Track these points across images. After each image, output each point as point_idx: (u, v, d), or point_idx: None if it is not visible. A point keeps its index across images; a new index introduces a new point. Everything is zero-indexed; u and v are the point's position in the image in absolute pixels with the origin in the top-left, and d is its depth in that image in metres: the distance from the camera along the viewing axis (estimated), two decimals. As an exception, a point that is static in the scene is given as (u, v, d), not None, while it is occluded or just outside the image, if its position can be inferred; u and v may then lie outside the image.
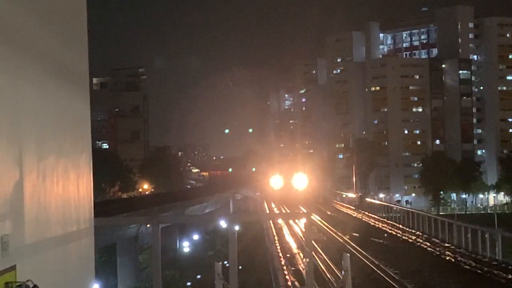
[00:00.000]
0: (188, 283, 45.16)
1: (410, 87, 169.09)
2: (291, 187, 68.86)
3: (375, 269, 40.33)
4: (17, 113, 4.78)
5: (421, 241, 53.60)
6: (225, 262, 15.38)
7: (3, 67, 4.50)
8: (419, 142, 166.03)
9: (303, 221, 15.98)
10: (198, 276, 45.85)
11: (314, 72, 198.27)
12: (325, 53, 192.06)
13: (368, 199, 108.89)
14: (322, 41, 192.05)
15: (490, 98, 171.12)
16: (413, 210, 72.81)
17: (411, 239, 56.19)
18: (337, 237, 57.92)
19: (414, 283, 34.68)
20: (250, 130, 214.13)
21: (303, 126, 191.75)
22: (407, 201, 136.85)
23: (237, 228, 12.23)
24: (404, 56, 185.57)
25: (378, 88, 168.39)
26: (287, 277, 36.48)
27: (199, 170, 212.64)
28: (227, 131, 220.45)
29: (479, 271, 37.14)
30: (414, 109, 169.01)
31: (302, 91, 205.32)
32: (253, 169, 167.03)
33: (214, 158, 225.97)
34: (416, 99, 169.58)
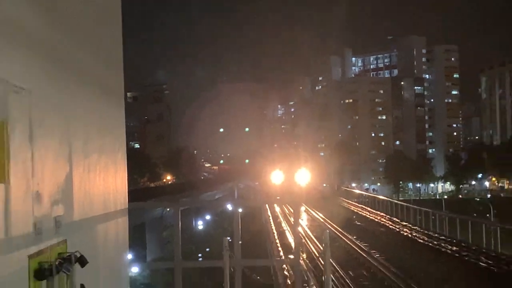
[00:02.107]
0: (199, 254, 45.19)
1: (376, 100, 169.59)
2: (290, 182, 66.77)
3: (349, 243, 40.41)
4: (68, 121, 4.79)
5: (384, 220, 53.74)
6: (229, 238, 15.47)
7: (57, 86, 4.51)
8: (383, 143, 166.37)
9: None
10: (207, 249, 45.98)
11: (301, 88, 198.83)
12: (310, 72, 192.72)
13: (343, 188, 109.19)
14: (307, 63, 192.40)
15: (439, 109, 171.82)
16: (378, 196, 72.96)
17: (377, 218, 56.32)
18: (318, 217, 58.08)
19: (380, 253, 34.80)
20: (247, 129, 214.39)
21: (292, 130, 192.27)
22: (374, 189, 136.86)
23: (240, 210, 12.27)
24: (372, 75, 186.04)
25: (351, 100, 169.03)
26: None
27: (210, 165, 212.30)
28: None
29: (431, 244, 37.26)
30: (379, 117, 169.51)
31: (291, 103, 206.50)
32: (247, 161, 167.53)
33: (222, 155, 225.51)
34: (380, 109, 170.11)
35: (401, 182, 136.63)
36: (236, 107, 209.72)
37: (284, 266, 24.89)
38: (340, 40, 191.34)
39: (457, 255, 32.69)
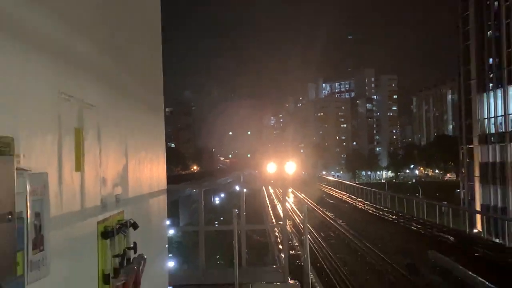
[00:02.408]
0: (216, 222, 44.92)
1: (339, 113, 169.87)
2: (280, 171, 65.82)
3: (320, 213, 40.38)
4: (124, 128, 4.78)
5: (345, 197, 53.74)
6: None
7: (116, 103, 4.49)
8: (344, 144, 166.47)
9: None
10: (221, 218, 45.80)
11: (287, 105, 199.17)
12: (293, 94, 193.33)
13: (318, 175, 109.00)
14: (291, 87, 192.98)
15: (383, 120, 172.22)
16: (341, 180, 72.93)
17: (340, 196, 56.35)
18: (299, 194, 57.96)
19: (342, 220, 34.79)
20: (249, 133, 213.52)
21: (281, 135, 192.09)
22: (338, 176, 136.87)
23: (245, 190, 12.27)
24: (336, 96, 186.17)
25: (322, 114, 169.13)
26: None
27: (223, 159, 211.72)
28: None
29: (377, 214, 37.28)
30: (341, 126, 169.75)
31: (280, 115, 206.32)
32: (248, 155, 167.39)
33: (232, 152, 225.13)
34: (342, 120, 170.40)
35: (357, 170, 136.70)
36: (241, 117, 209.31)
37: (276, 229, 24.85)
38: (315, 71, 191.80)
39: (395, 221, 32.72)
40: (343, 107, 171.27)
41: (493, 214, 32.11)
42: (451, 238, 24.23)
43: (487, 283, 14.89)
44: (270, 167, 66.73)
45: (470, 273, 16.33)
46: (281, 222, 11.23)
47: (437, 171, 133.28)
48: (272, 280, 8.32)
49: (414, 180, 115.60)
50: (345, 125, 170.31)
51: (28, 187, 2.43)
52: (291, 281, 8.34)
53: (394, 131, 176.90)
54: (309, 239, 22.81)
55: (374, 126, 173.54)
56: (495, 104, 34.38)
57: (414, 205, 33.43)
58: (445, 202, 33.30)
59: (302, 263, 9.71)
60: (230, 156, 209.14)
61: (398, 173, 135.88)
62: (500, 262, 18.65)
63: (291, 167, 60.23)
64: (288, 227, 16.38)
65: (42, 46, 2.94)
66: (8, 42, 2.53)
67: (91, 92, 3.79)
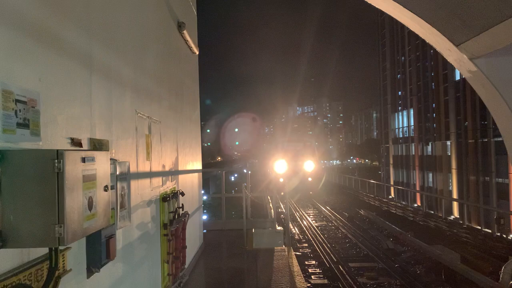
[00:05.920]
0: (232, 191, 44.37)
1: (307, 125, 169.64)
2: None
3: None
4: (176, 134, 4.78)
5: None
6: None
7: (171, 119, 4.48)
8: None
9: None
10: (236, 189, 45.31)
11: (275, 120, 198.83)
12: (279, 112, 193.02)
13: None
14: (278, 108, 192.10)
15: (334, 129, 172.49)
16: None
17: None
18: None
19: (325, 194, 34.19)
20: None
21: (272, 138, 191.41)
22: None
23: (249, 172, 12.22)
24: (305, 115, 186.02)
25: (296, 125, 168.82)
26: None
27: (237, 153, 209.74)
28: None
29: (349, 191, 36.74)
30: (308, 133, 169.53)
31: (271, 126, 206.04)
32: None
33: (242, 148, 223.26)
34: (309, 129, 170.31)
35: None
36: (247, 127, 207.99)
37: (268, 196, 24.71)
38: (292, 100, 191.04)
39: (340, 191, 32.28)
40: (309, 121, 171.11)
41: (400, 187, 32.13)
42: (376, 202, 24.15)
43: (397, 228, 14.90)
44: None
45: (386, 222, 16.35)
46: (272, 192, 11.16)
47: (367, 160, 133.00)
48: (266, 227, 8.33)
49: (351, 167, 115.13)
50: (310, 132, 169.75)
51: (117, 170, 2.45)
52: (278, 228, 8.33)
53: (340, 136, 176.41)
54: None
55: (328, 133, 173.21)
56: (402, 120, 34.55)
57: (353, 181, 33.22)
58: (372, 180, 33.17)
59: (284, 217, 9.72)
60: (239, 151, 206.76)
61: (343, 161, 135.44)
62: (404, 215, 18.97)
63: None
64: (276, 194, 16.26)
65: (129, 85, 2.94)
66: (111, 83, 2.55)
67: (156, 112, 3.78)
